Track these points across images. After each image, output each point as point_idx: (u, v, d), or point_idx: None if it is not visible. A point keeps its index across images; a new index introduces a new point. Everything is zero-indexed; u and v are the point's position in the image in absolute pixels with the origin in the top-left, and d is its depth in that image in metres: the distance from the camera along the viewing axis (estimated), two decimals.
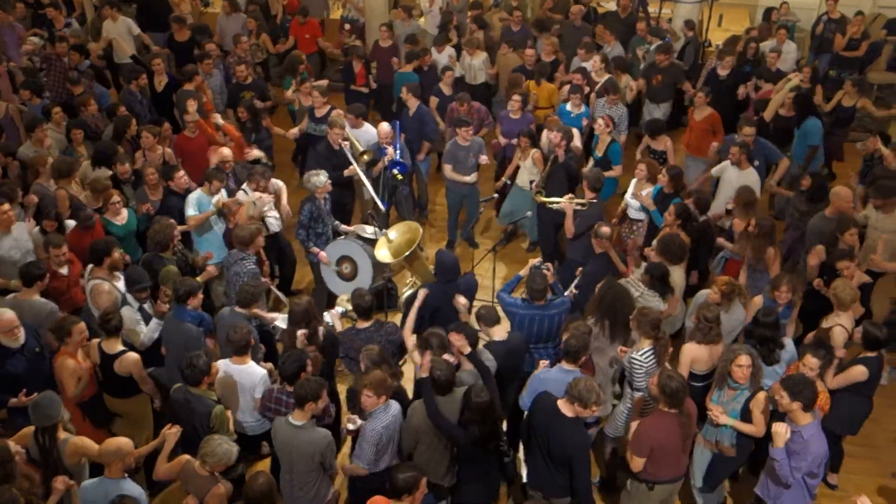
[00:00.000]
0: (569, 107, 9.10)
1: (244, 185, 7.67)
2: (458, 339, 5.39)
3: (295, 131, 9.36)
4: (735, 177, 7.89)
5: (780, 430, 4.85)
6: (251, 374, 5.56)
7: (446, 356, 5.34)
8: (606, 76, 9.60)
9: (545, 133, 8.59)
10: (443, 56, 10.50)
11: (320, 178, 7.47)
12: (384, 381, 5.01)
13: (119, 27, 10.94)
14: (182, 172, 7.61)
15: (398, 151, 8.39)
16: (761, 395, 5.26)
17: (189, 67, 9.73)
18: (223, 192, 7.55)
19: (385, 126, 8.40)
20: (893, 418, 6.89)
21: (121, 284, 6.40)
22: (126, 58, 10.91)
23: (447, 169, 8.55)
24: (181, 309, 5.95)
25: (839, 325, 5.93)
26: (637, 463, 5.05)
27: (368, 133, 8.70)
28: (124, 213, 7.35)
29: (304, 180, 7.69)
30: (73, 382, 5.55)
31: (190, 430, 5.25)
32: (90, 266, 6.47)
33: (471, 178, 8.52)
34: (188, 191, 7.52)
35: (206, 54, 10.12)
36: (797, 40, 11.58)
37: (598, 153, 8.41)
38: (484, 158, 8.51)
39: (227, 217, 7.41)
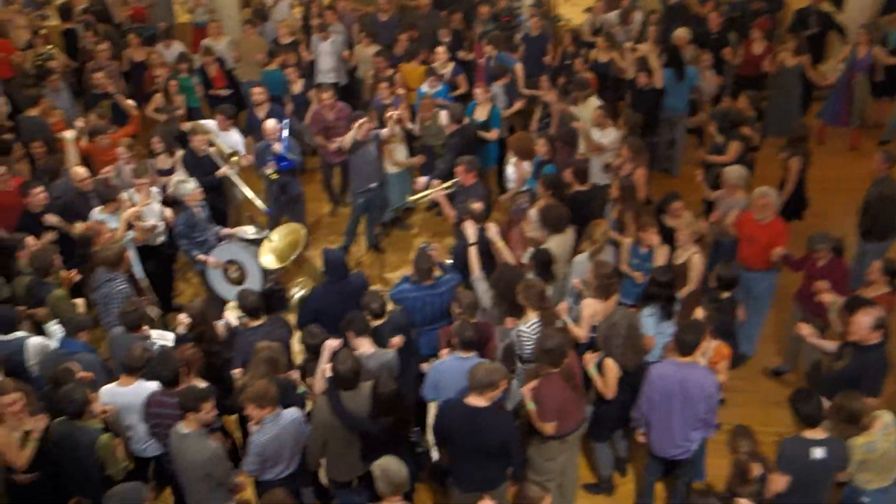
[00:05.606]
0: (425, 87, 9.15)
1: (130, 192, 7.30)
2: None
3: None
4: (598, 136, 8.19)
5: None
6: (140, 393, 5.20)
7: None
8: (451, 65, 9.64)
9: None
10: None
11: (187, 187, 7.22)
12: (265, 394, 4.77)
13: None
14: None
15: (285, 147, 8.07)
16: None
17: (31, 91, 9.03)
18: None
19: (271, 122, 8.04)
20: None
21: None
22: None
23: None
24: (71, 342, 5.64)
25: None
26: (549, 428, 5.12)
27: (233, 138, 8.44)
28: None
29: (172, 189, 7.33)
30: None
31: (74, 464, 4.95)
32: None
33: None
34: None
35: (50, 70, 9.56)
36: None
37: (481, 118, 8.58)
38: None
39: (92, 241, 6.91)
